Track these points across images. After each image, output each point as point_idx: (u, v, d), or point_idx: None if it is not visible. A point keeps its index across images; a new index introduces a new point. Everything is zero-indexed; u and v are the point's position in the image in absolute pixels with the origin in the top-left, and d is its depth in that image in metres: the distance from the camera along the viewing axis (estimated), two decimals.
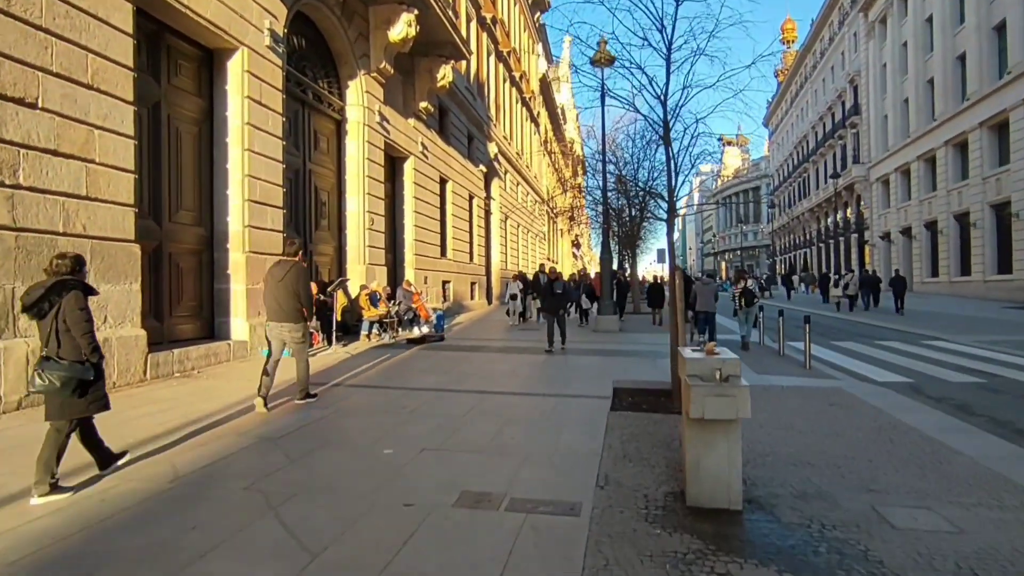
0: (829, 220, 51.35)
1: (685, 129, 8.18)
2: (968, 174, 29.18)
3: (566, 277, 23.01)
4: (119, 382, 7.62)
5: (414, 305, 15.44)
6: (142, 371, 8.02)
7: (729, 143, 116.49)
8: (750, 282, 14.02)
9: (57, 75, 7.20)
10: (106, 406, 4.45)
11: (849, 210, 45.86)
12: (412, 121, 18.57)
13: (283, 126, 11.62)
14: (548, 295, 12.57)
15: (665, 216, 7.73)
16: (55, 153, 7.14)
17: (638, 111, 11.48)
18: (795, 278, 45.69)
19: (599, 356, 11.30)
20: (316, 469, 4.62)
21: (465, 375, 9.06)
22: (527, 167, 39.33)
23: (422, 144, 19.19)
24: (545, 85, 46.38)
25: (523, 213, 37.55)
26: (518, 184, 36.30)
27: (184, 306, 9.89)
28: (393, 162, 18.54)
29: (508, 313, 18.00)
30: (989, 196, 27.35)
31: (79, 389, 4.19)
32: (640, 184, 19.52)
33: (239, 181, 10.48)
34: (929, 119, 33.17)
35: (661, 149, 21.07)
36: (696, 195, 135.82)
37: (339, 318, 13.87)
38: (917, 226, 34.60)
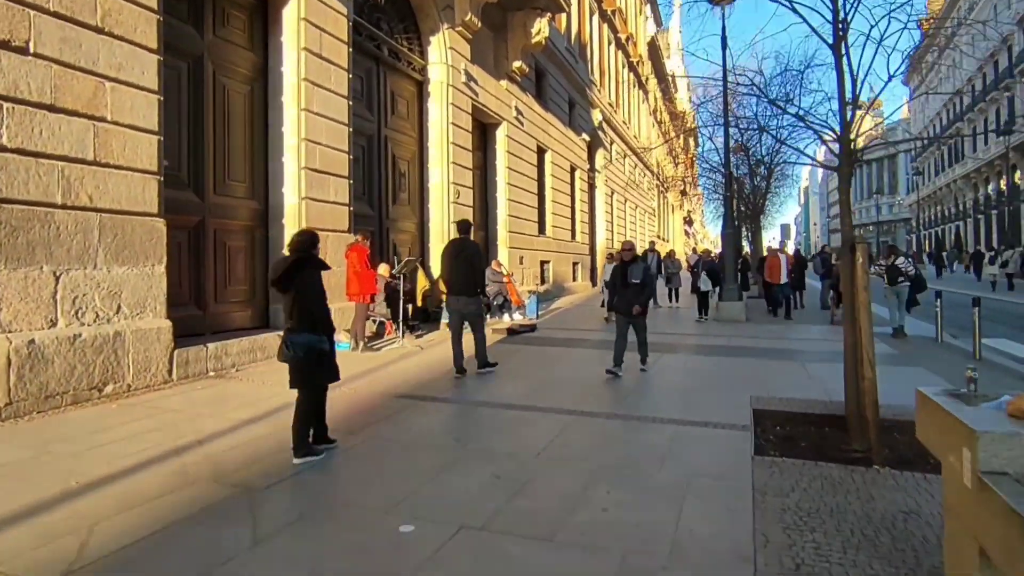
0: (991, 187, 44.84)
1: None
2: None
3: (664, 253, 20.59)
4: (135, 384, 6.39)
5: (504, 289, 13.77)
6: (166, 370, 6.77)
7: (858, 107, 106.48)
8: (900, 259, 11.83)
9: (55, 14, 5.97)
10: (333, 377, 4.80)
11: (1018, 174, 39.60)
12: (504, 83, 16.79)
13: (349, 83, 10.16)
14: (618, 286, 8.14)
15: (836, 160, 5.48)
16: (52, 108, 5.91)
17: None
18: (945, 255, 40.56)
19: (724, 356, 9.08)
20: (279, 567, 2.95)
21: (550, 383, 7.20)
22: (635, 137, 36.64)
23: (516, 109, 17.38)
24: (654, 49, 43.18)
25: (631, 187, 35.00)
26: (625, 156, 33.77)
27: (234, 291, 8.67)
28: (484, 129, 16.88)
29: (603, 304, 14.34)
30: None
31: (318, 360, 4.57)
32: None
33: (295, 146, 9.10)
34: None
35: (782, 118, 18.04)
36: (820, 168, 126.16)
37: (420, 303, 12.47)
38: None
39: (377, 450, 4.73)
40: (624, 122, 33.07)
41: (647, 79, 40.77)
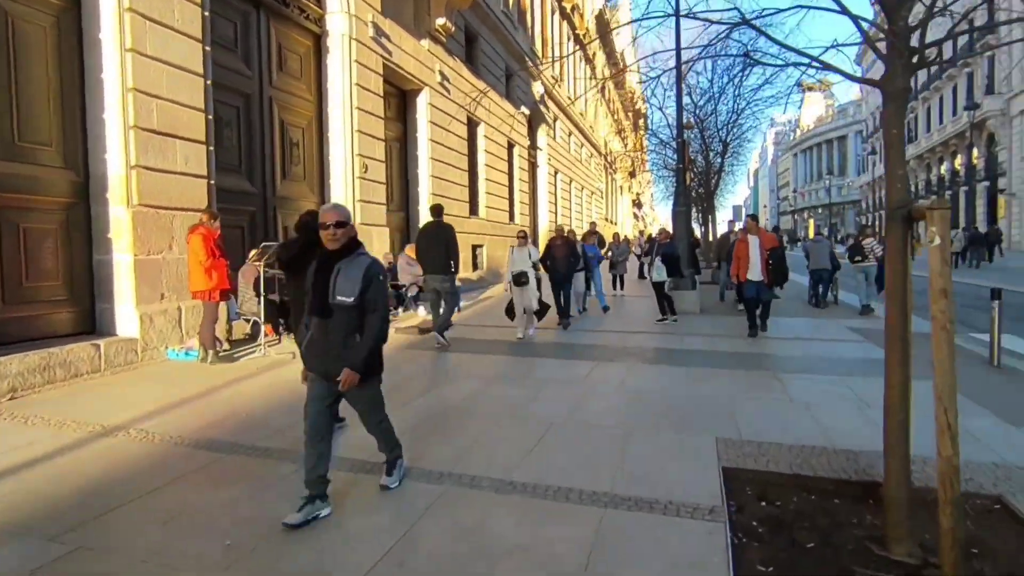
0: (944, 167, 44.92)
1: None
2: None
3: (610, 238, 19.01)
4: None
5: (418, 280, 11.98)
6: None
7: (810, 88, 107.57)
8: (868, 240, 12.10)
9: None
10: None
11: (975, 154, 39.53)
12: (426, 43, 14.88)
13: (205, 23, 8.15)
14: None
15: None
16: None
17: None
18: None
19: (678, 367, 7.42)
20: None
21: (437, 416, 5.45)
22: (581, 115, 35.06)
23: (441, 74, 15.50)
24: (601, 24, 41.61)
25: (577, 166, 33.45)
26: (570, 134, 32.18)
27: (37, 288, 6.66)
28: (404, 97, 14.97)
29: (509, 312, 9.67)
30: None
31: None
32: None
33: (119, 99, 7.08)
34: None
35: (747, 77, 16.63)
36: (770, 149, 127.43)
37: None
38: None
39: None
40: (569, 99, 31.45)
41: (594, 55, 39.19)
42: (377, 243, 12.25)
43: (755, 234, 9.45)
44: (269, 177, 10.31)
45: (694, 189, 21.67)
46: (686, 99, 17.82)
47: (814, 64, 3.90)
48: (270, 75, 10.37)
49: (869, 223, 51.16)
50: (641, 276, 18.81)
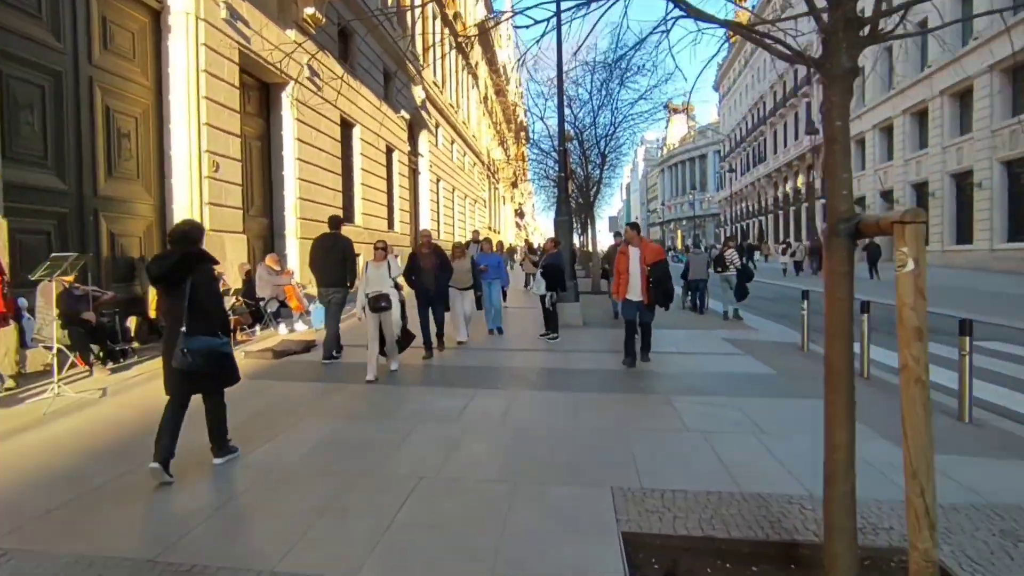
0: (788, 185, 47.93)
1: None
2: (973, 125, 25.54)
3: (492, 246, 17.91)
4: None
5: (281, 292, 10.35)
6: None
7: (675, 110, 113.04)
8: (730, 251, 12.51)
9: None
10: None
11: (813, 174, 42.35)
12: (292, 33, 13.18)
13: None
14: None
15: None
16: None
17: None
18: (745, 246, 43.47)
19: (561, 392, 6.44)
20: None
21: (270, 481, 4.09)
22: (464, 123, 34.02)
23: (310, 68, 13.82)
24: (484, 34, 40.87)
25: (460, 174, 32.35)
26: (453, 141, 31.01)
27: None
28: (267, 90, 13.19)
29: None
30: (1000, 151, 23.69)
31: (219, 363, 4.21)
32: None
33: None
34: (917, 68, 29.43)
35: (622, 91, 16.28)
36: (641, 165, 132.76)
37: (153, 315, 8.77)
38: (901, 188, 31.05)
39: None
40: (451, 105, 30.28)
41: (477, 64, 38.33)
42: (231, 251, 10.48)
43: (636, 245, 7.63)
44: (88, 173, 8.36)
45: (574, 199, 21.17)
46: (566, 111, 17.20)
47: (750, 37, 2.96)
48: (89, 51, 8.43)
49: (731, 235, 53.87)
50: (527, 285, 17.95)
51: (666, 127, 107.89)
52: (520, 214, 74.20)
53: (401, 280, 7.74)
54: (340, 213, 15.58)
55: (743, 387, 6.63)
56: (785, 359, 8.19)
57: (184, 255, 4.01)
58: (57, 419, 5.43)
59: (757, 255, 45.78)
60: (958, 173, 26.10)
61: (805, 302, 9.02)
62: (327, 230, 8.15)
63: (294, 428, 5.22)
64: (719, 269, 12.26)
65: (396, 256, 7.90)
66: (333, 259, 7.87)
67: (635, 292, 7.53)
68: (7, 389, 6.09)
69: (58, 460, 4.44)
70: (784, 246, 33.37)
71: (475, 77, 38.30)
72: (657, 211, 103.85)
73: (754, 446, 4.73)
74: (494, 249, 12.30)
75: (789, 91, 46.30)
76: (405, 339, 7.51)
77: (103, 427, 5.22)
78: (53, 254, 6.05)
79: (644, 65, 16.42)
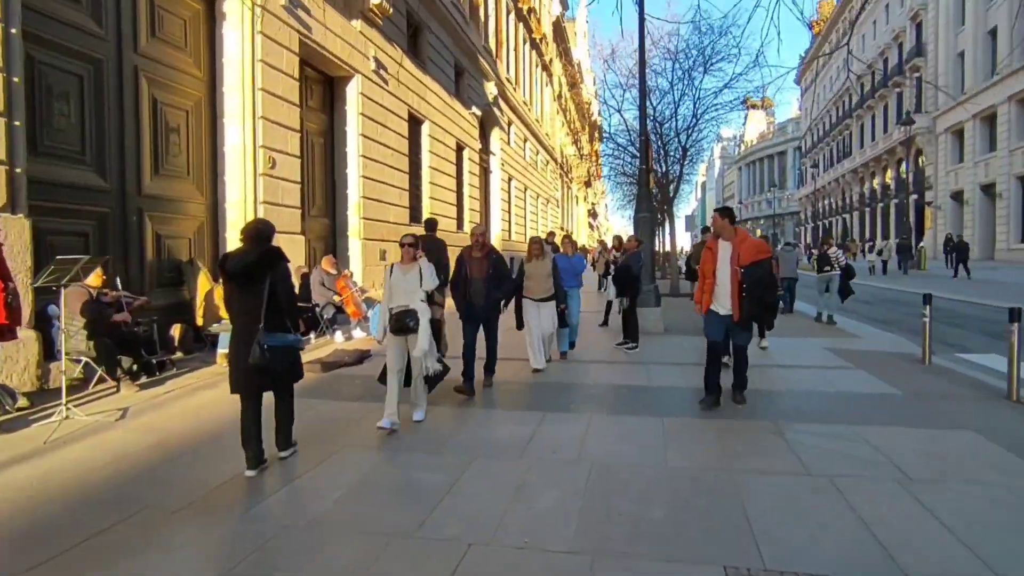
0: (876, 181, 44.06)
1: None
2: None
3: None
4: None
5: (337, 297, 9.40)
6: None
7: (753, 106, 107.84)
8: (832, 248, 11.07)
9: None
10: None
11: (902, 168, 38.66)
12: (358, 24, 12.26)
13: None
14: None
15: None
16: None
17: None
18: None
19: (651, 418, 5.07)
20: None
21: (285, 540, 3.05)
22: (536, 121, 32.74)
23: (376, 61, 12.89)
24: (559, 31, 39.44)
25: (532, 173, 31.09)
26: (525, 140, 29.79)
27: None
28: (331, 84, 12.33)
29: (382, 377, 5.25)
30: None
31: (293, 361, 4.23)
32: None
33: None
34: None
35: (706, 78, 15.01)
36: (717, 163, 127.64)
37: (200, 322, 7.98)
38: (1005, 181, 27.60)
39: None
40: (524, 102, 29.06)
41: (551, 61, 36.95)
42: (288, 253, 9.61)
43: (728, 239, 5.33)
44: (132, 170, 7.58)
45: (653, 196, 19.53)
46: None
47: None
48: (135, 38, 7.64)
49: (827, 232, 50.35)
50: (600, 288, 16.53)
51: (744, 124, 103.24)
52: (593, 214, 72.29)
53: (436, 294, 5.42)
54: (407, 213, 14.63)
55: (865, 411, 5.21)
56: (907, 375, 6.57)
57: (265, 252, 3.99)
58: (58, 448, 4.53)
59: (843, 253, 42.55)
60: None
61: (927, 307, 7.29)
62: (402, 231, 7.05)
63: (328, 463, 4.21)
64: (826, 268, 10.95)
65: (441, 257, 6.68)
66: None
67: (723, 303, 5.28)
68: (18, 409, 5.26)
69: (41, 506, 3.55)
70: (870, 243, 31.81)
71: (549, 74, 36.95)
72: (735, 209, 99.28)
73: (903, 500, 3.40)
74: (576, 251, 9.37)
75: (880, 80, 42.52)
76: (437, 374, 5.19)
77: (107, 460, 4.27)
78: (58, 257, 5.14)
79: (728, 52, 14.69)
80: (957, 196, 32.68)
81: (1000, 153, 27.99)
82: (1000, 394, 5.62)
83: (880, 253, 27.37)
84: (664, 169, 18.09)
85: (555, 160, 39.05)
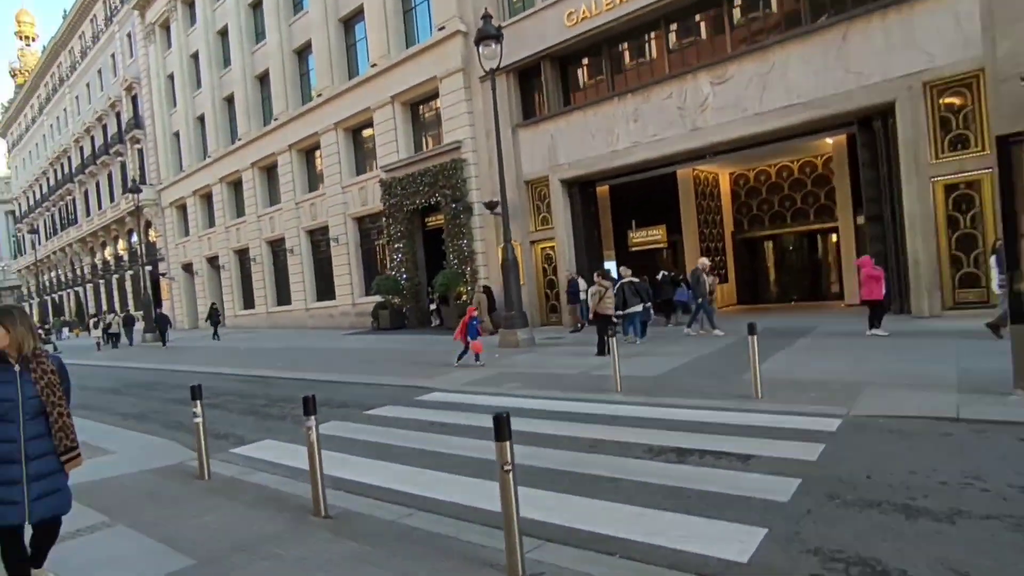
0: (108, 251, 41.53)
1: None
2: (279, 199, 26.57)
3: None
4: None
5: None
6: None
7: None
8: None
9: None
10: None
11: (136, 239, 37.75)
12: None
13: None
14: None
15: None
16: None
17: None
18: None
19: None
20: None
21: None
22: None
23: None
24: None
25: None
26: None
27: None
28: None
29: None
30: (304, 221, 25.20)
31: None
32: None
33: None
34: (229, 139, 29.26)
35: None
36: None
37: None
38: (226, 255, 30.11)
39: None
40: None
41: None
42: None
43: None
44: None
45: None
46: None
47: None
48: None
49: (56, 307, 43.41)
50: None
51: None
52: None
53: None
54: None
55: None
56: (184, 512, 4.61)
57: None
58: None
59: (67, 332, 38.87)
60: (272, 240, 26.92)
61: (198, 404, 5.48)
62: None
63: None
64: None
65: None
66: None
67: None
68: None
69: None
70: (95, 319, 31.13)
71: None
72: None
73: None
74: None
75: (101, 147, 40.41)
76: None
77: None
78: None
79: None
80: (188, 267, 33.81)
81: (219, 228, 30.36)
82: (308, 509, 4.37)
83: (108, 327, 26.50)
84: None
85: None
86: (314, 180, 25.42)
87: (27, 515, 2.94)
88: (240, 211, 29.16)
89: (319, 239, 24.99)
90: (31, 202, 54.75)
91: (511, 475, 3.15)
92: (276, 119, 25.82)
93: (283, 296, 27.31)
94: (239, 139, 28.20)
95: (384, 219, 21.24)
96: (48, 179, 50.15)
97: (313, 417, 4.34)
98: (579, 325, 15.48)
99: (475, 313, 10.39)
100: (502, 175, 13.80)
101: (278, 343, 20.04)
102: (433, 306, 20.28)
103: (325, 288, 24.87)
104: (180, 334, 29.46)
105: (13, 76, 57.74)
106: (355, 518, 4.20)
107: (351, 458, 5.86)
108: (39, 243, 52.29)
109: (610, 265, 16.82)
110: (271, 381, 11.73)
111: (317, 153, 24.82)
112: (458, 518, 4.10)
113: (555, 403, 7.55)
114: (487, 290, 17.33)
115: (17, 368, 2.98)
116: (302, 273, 25.53)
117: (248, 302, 29.62)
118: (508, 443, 3.13)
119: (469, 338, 10.22)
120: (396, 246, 20.69)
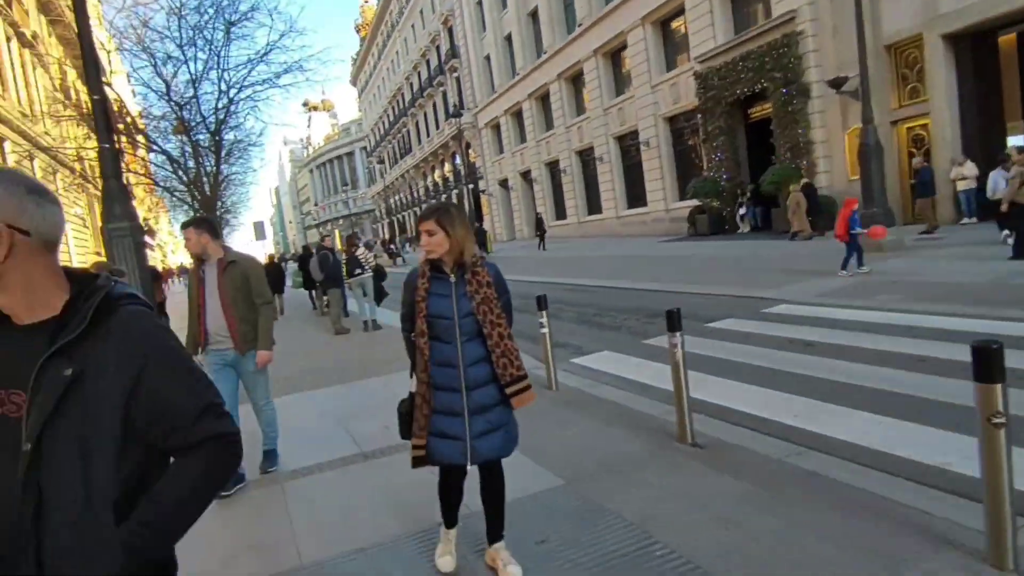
0: (437, 174, 47.02)
1: None
2: (584, 109, 26.40)
3: None
4: None
5: None
6: None
7: (314, 108, 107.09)
8: (360, 249, 10.66)
9: None
10: None
11: (459, 161, 41.87)
12: None
13: None
14: None
15: None
16: None
17: None
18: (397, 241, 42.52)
19: None
20: None
21: None
22: (24, 115, 24.23)
23: None
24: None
25: None
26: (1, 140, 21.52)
27: None
28: None
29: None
30: (612, 128, 24.70)
31: None
32: None
33: None
34: (535, 55, 29.80)
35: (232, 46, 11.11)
36: (288, 167, 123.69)
37: None
38: (538, 169, 31.45)
39: None
40: None
41: (35, 35, 28.00)
42: None
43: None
44: None
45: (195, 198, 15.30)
46: (151, 72, 11.57)
47: None
48: None
49: (355, 234, 51.40)
50: None
51: (308, 125, 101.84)
52: (150, 232, 61.11)
53: None
54: None
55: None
56: (545, 421, 4.53)
57: None
58: None
59: (408, 247, 44.14)
60: (581, 150, 26.91)
61: (544, 314, 5.42)
62: None
63: None
64: (357, 272, 10.37)
65: None
66: None
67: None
68: None
69: None
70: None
71: (34, 48, 27.97)
72: (312, 212, 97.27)
73: None
74: None
75: (425, 80, 45.12)
76: None
77: None
78: None
79: (256, 9, 11.66)
80: (503, 183, 36.38)
81: (530, 143, 31.71)
82: (669, 433, 3.90)
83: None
84: (194, 166, 14.13)
85: (69, 168, 30.20)
86: (620, 84, 24.54)
87: (468, 454, 2.47)
88: (549, 124, 29.88)
89: (628, 144, 24.33)
90: (377, 137, 64.48)
91: (1002, 432, 2.13)
92: (580, 24, 25.28)
93: (593, 205, 27.61)
94: (544, 52, 28.49)
95: (699, 116, 19.55)
96: (388, 115, 58.16)
97: (679, 333, 3.73)
98: (932, 227, 12.13)
99: (855, 205, 8.53)
100: (862, 36, 11.12)
101: (594, 252, 20.21)
102: (742, 210, 18.23)
103: (636, 195, 24.34)
104: (499, 245, 32.07)
105: (358, 31, 67.26)
106: (729, 449, 3.58)
107: (704, 377, 5.07)
108: (386, 172, 61.61)
109: (1018, 140, 12.81)
110: (595, 291, 11.52)
111: (623, 55, 23.75)
112: (855, 461, 3.29)
113: (956, 321, 5.77)
114: (808, 187, 14.84)
115: (453, 279, 2.50)
116: (612, 181, 25.31)
117: (560, 213, 30.70)
118: (999, 386, 2.12)
119: (853, 231, 8.39)
120: (714, 144, 18.92)
